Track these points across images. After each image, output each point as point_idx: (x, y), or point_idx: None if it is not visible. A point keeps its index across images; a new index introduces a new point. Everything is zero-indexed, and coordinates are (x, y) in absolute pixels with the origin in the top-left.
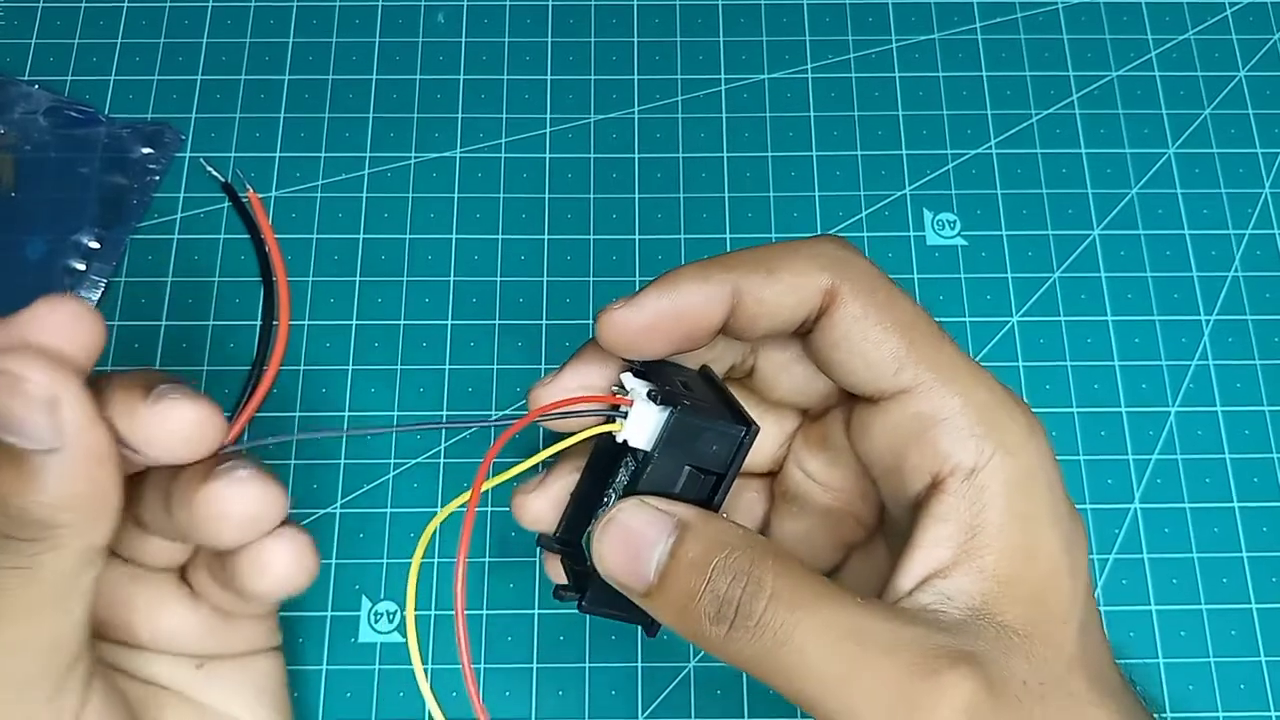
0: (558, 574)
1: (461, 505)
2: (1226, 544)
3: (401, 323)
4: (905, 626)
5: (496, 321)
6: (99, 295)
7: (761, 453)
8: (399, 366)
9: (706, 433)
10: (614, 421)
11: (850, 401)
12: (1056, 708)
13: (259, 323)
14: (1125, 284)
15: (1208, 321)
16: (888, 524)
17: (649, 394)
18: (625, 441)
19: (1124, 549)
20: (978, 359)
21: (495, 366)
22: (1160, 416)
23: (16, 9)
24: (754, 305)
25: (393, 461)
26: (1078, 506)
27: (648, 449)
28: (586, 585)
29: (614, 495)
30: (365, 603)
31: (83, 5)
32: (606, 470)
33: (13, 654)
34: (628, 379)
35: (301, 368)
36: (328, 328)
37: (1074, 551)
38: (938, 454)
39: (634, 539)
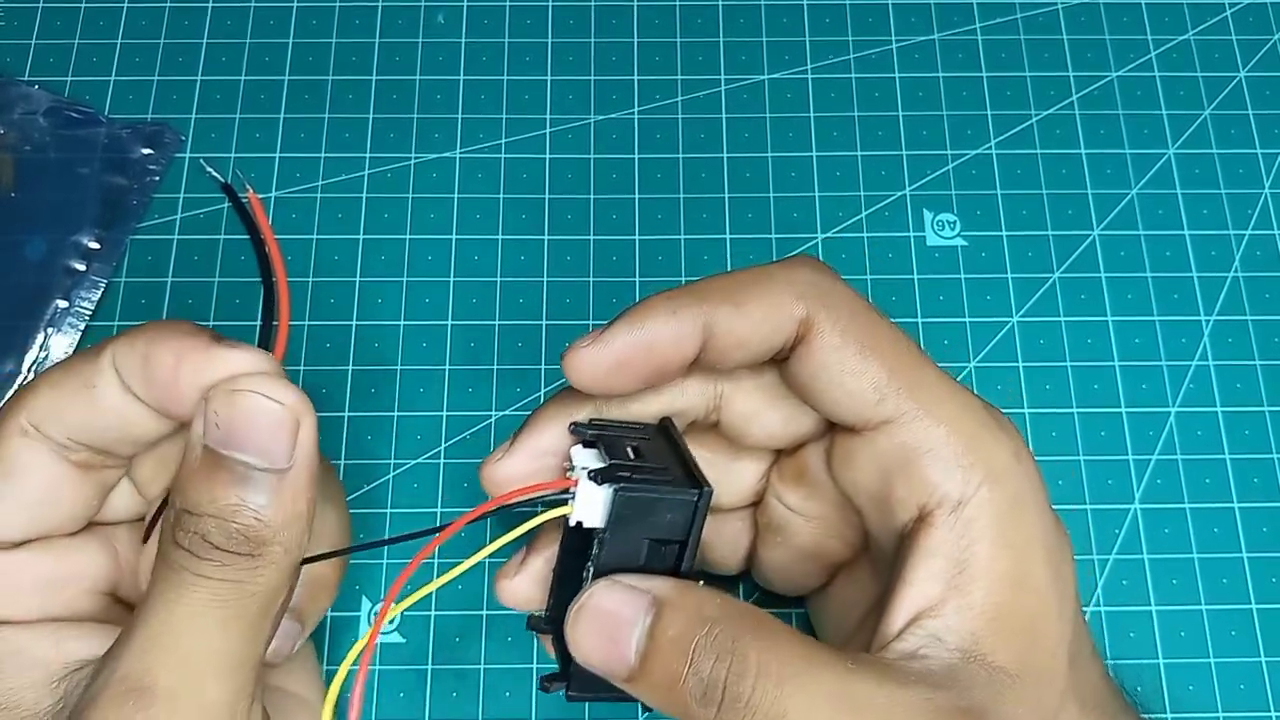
0: (554, 651)
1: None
2: (1226, 544)
3: (401, 323)
4: (899, 689)
5: (496, 322)
6: (99, 296)
7: (738, 489)
8: (399, 367)
9: (658, 504)
10: (566, 504)
11: (831, 432)
12: None
13: (259, 323)
14: (1125, 284)
15: (1208, 322)
16: (873, 546)
17: (590, 474)
18: (579, 524)
19: (1124, 549)
20: (978, 359)
21: (495, 367)
22: (1160, 417)
23: (16, 9)
24: (726, 338)
25: (393, 462)
26: (1078, 507)
27: (601, 527)
28: (572, 670)
29: (590, 572)
30: (365, 603)
31: (83, 5)
32: (583, 544)
33: (223, 675)
34: (576, 453)
35: (302, 368)
36: (328, 328)
37: (1062, 577)
38: (925, 486)
39: (610, 622)
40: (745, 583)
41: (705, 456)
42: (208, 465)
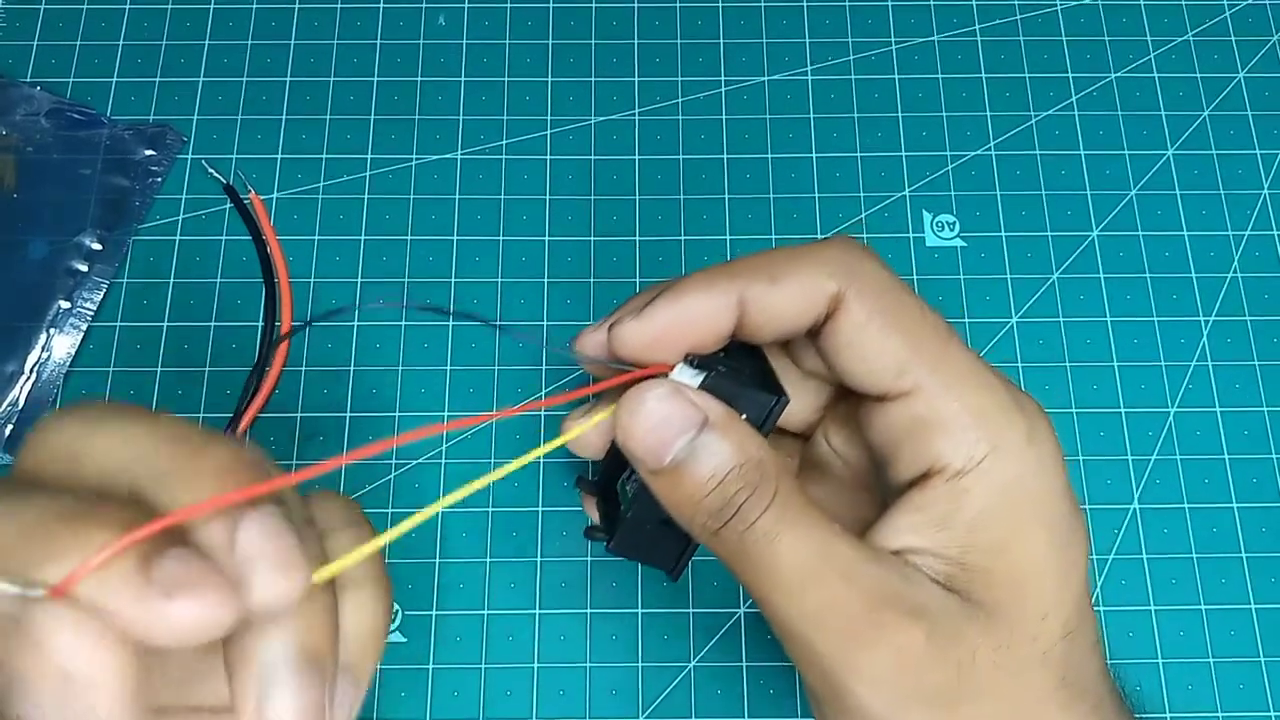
0: (593, 511)
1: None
2: (1225, 544)
3: (403, 324)
4: (871, 564)
5: (497, 322)
6: (101, 296)
7: (796, 415)
8: (400, 367)
9: (739, 399)
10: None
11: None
12: (1008, 689)
13: (261, 324)
14: (1124, 285)
15: (1206, 322)
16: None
17: (687, 359)
18: None
19: (1123, 549)
20: None
21: (496, 367)
22: (1159, 417)
23: (19, 11)
24: (759, 314)
25: (394, 462)
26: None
27: None
28: (615, 529)
29: None
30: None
31: (85, 7)
32: None
33: None
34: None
35: (304, 369)
36: (329, 329)
37: (1067, 556)
38: (929, 453)
39: (661, 423)
40: None
41: (776, 368)
42: None
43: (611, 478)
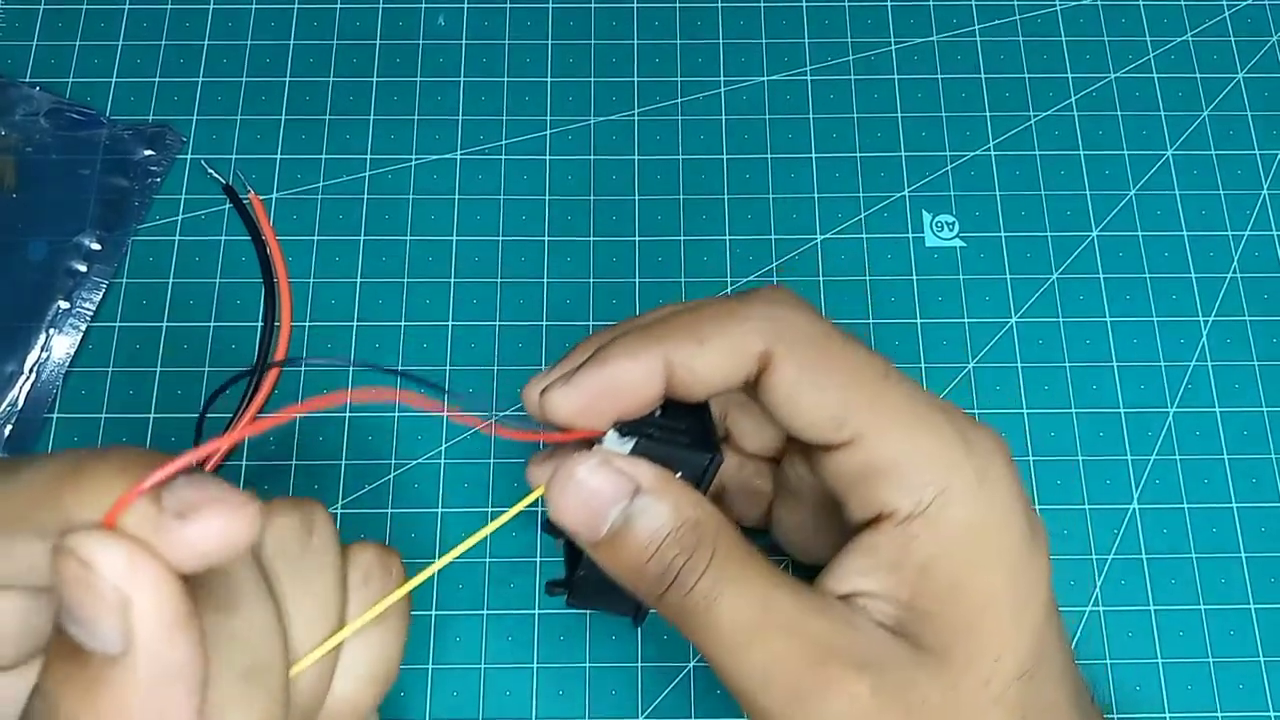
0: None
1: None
2: (1225, 544)
3: (402, 324)
4: (815, 615)
5: (497, 323)
6: (100, 297)
7: (766, 441)
8: (399, 366)
9: (673, 460)
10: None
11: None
12: None
13: (260, 324)
14: (1124, 285)
15: (1206, 322)
16: None
17: (617, 426)
18: None
19: (1122, 549)
20: (976, 360)
21: (495, 367)
22: (1159, 417)
23: (18, 11)
24: (687, 375)
25: (393, 462)
26: (1076, 507)
27: None
28: (575, 580)
29: None
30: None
31: (84, 7)
32: None
33: None
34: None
35: (303, 369)
36: (329, 329)
37: (1021, 594)
38: (877, 499)
39: (592, 496)
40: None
41: (740, 400)
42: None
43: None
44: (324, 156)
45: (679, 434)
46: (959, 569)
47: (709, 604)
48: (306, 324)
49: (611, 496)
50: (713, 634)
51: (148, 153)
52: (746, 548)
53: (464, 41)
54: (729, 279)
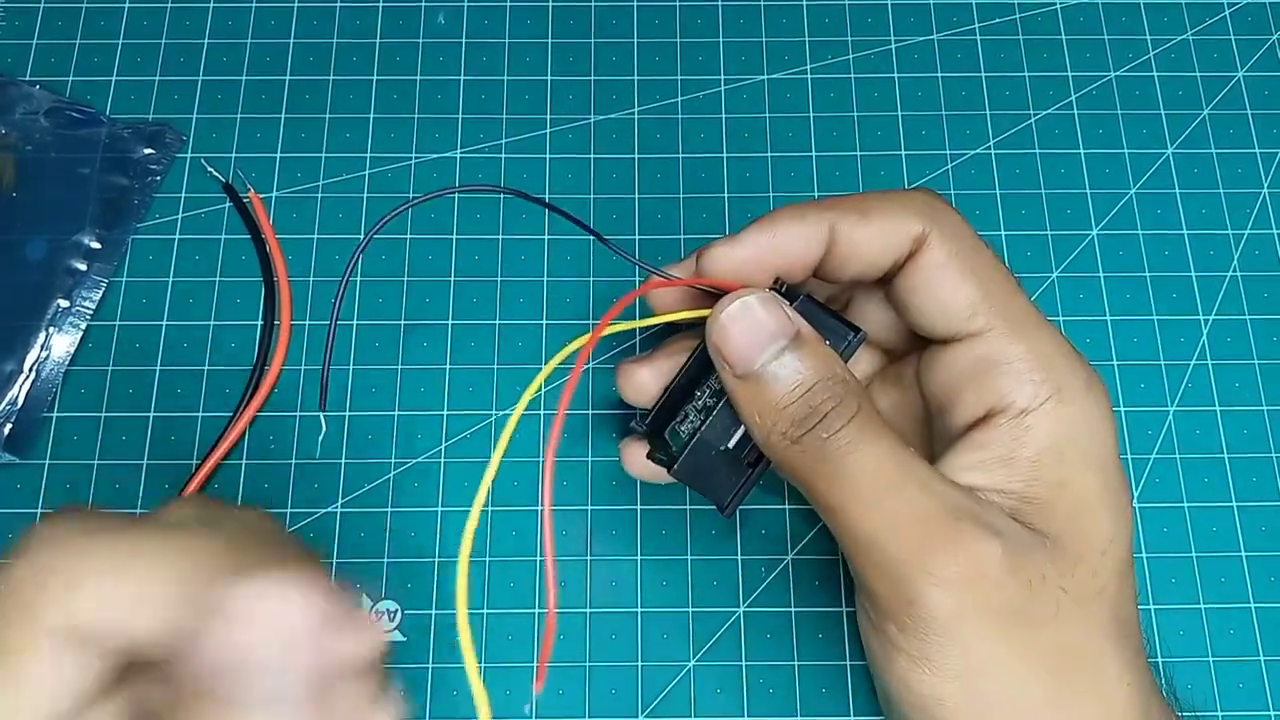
0: (630, 463)
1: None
2: (1225, 543)
3: (402, 323)
4: (949, 485)
5: (497, 321)
6: (100, 295)
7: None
8: (399, 366)
9: (822, 328)
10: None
11: (922, 346)
12: (1071, 617)
13: (260, 323)
14: (1124, 284)
15: (1206, 321)
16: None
17: (776, 284)
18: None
19: None
20: None
21: (495, 366)
22: (1159, 416)
23: (17, 9)
24: (847, 246)
25: (393, 461)
26: None
27: None
28: (684, 454)
29: (706, 393)
30: (366, 602)
31: (84, 6)
32: (702, 371)
33: None
34: None
35: (303, 368)
36: (328, 329)
37: (1120, 499)
38: (994, 393)
39: (757, 327)
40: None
41: (859, 301)
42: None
43: (663, 422)
44: (324, 155)
45: (829, 311)
46: (1068, 466)
47: (848, 451)
48: (306, 323)
49: (773, 332)
50: (846, 482)
51: (147, 151)
52: (884, 418)
53: (464, 40)
54: None
